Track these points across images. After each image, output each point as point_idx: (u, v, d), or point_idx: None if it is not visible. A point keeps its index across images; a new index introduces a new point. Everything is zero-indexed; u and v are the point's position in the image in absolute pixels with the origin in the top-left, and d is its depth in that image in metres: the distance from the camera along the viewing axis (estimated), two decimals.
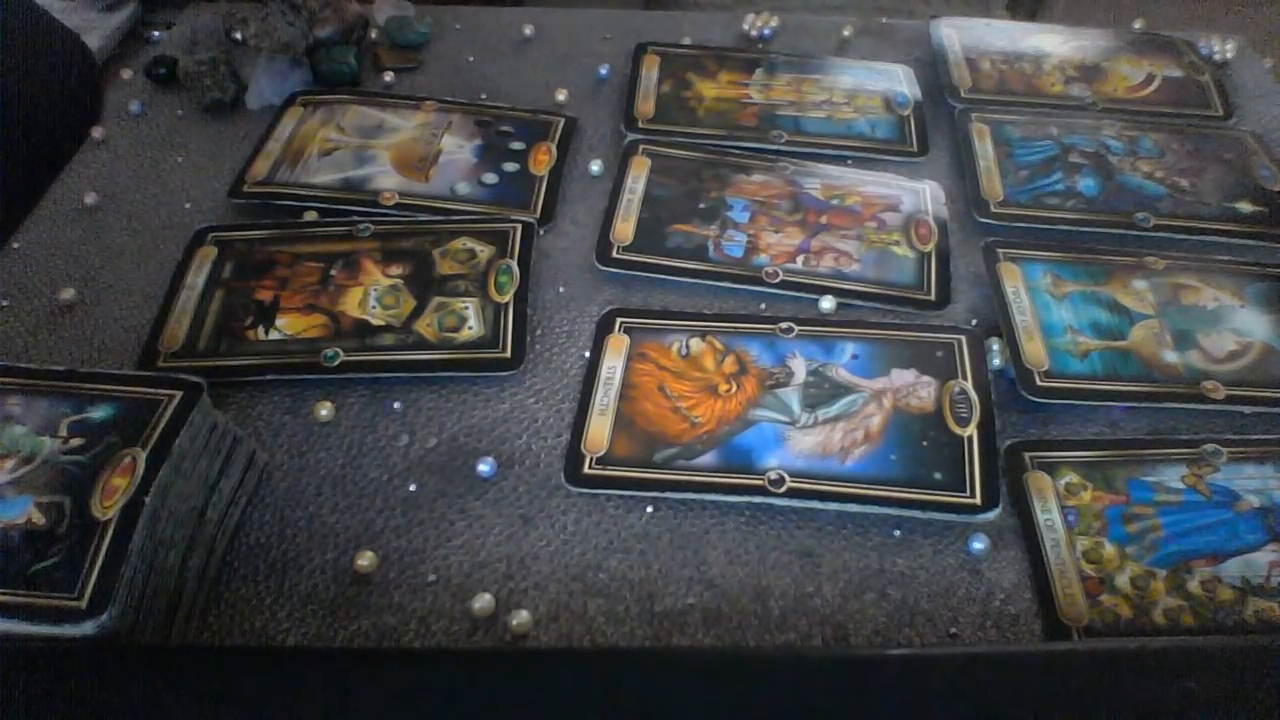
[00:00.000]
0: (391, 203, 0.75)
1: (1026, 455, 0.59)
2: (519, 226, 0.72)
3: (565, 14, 0.98)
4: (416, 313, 0.66)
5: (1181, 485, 0.58)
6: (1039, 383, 0.62)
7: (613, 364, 0.64)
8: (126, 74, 0.90)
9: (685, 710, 0.43)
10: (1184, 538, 0.55)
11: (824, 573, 0.55)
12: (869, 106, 0.85)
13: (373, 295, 0.67)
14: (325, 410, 0.61)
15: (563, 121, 0.83)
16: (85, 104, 0.88)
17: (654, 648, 0.51)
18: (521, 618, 0.52)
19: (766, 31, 0.95)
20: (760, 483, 0.57)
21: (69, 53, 0.92)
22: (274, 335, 0.65)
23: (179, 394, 0.53)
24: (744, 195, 0.76)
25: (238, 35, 0.89)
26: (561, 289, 0.70)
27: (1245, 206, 0.75)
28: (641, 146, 0.80)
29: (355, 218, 0.73)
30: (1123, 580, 0.54)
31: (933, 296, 0.69)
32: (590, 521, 0.57)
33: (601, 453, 0.59)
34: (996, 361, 0.64)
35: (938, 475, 0.57)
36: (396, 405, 0.62)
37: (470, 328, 0.65)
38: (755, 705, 0.43)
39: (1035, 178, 0.77)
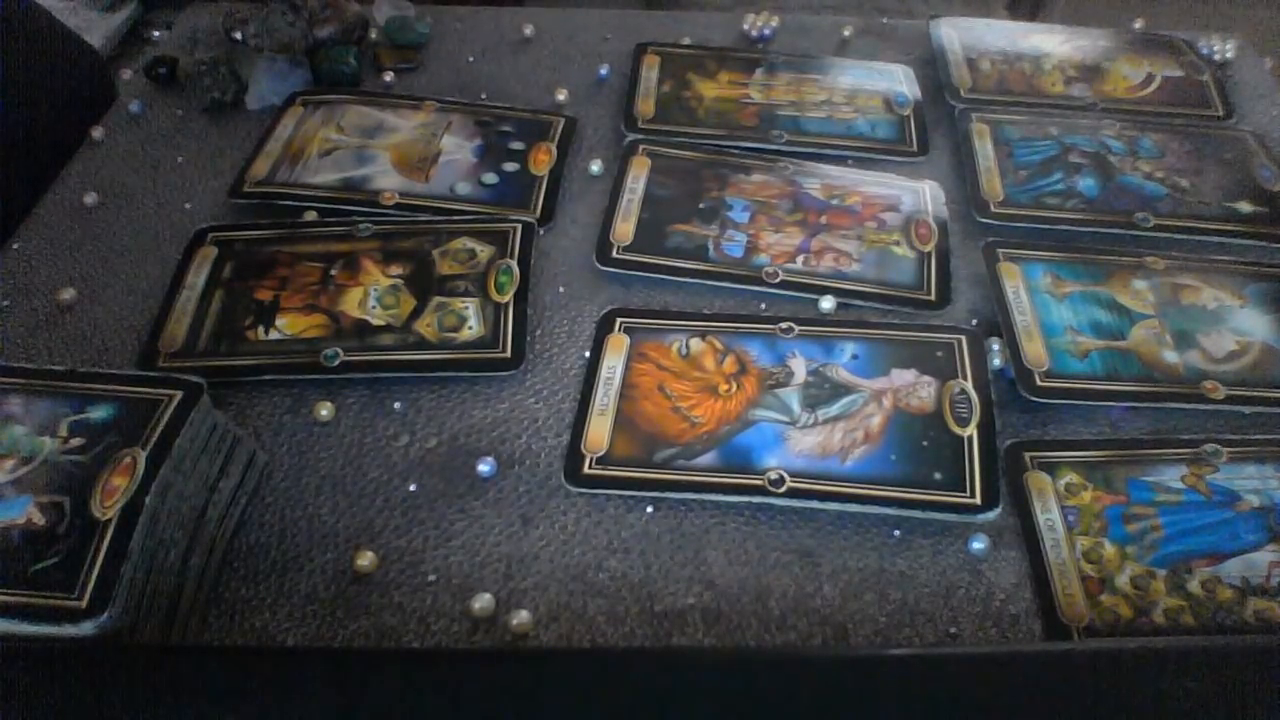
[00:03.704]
0: (391, 203, 0.75)
1: (1026, 455, 0.59)
2: (519, 226, 0.72)
3: (565, 14, 0.98)
4: (416, 313, 0.66)
5: (1181, 485, 0.58)
6: (1039, 383, 0.62)
7: (613, 364, 0.64)
8: (126, 74, 0.90)
9: (685, 710, 0.43)
10: (1184, 538, 0.55)
11: (824, 573, 0.55)
12: (869, 106, 0.85)
13: (373, 295, 0.67)
14: (325, 410, 0.61)
15: (563, 121, 0.83)
16: (97, 103, 0.88)
17: (654, 648, 0.51)
18: (521, 618, 0.52)
19: (766, 31, 0.95)
20: (760, 483, 0.57)
21: (72, 54, 0.92)
22: (274, 335, 0.65)
23: (179, 394, 0.53)
24: (744, 195, 0.76)
25: (238, 35, 0.89)
26: (561, 289, 0.70)
27: (1245, 206, 0.75)
28: (641, 146, 0.80)
29: (355, 218, 0.73)
30: (1123, 580, 0.54)
31: (933, 296, 0.69)
32: (590, 521, 0.57)
33: (601, 453, 0.59)
34: (996, 361, 0.64)
35: (938, 475, 0.57)
36: (396, 405, 0.62)
37: (470, 328, 0.65)
38: (755, 705, 0.43)
39: (1035, 178, 0.77)
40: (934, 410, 0.61)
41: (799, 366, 0.63)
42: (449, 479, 0.59)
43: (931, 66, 0.90)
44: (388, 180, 0.77)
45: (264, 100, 0.85)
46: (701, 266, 0.70)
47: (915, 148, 0.82)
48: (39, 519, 0.48)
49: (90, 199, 0.76)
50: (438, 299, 0.67)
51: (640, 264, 0.71)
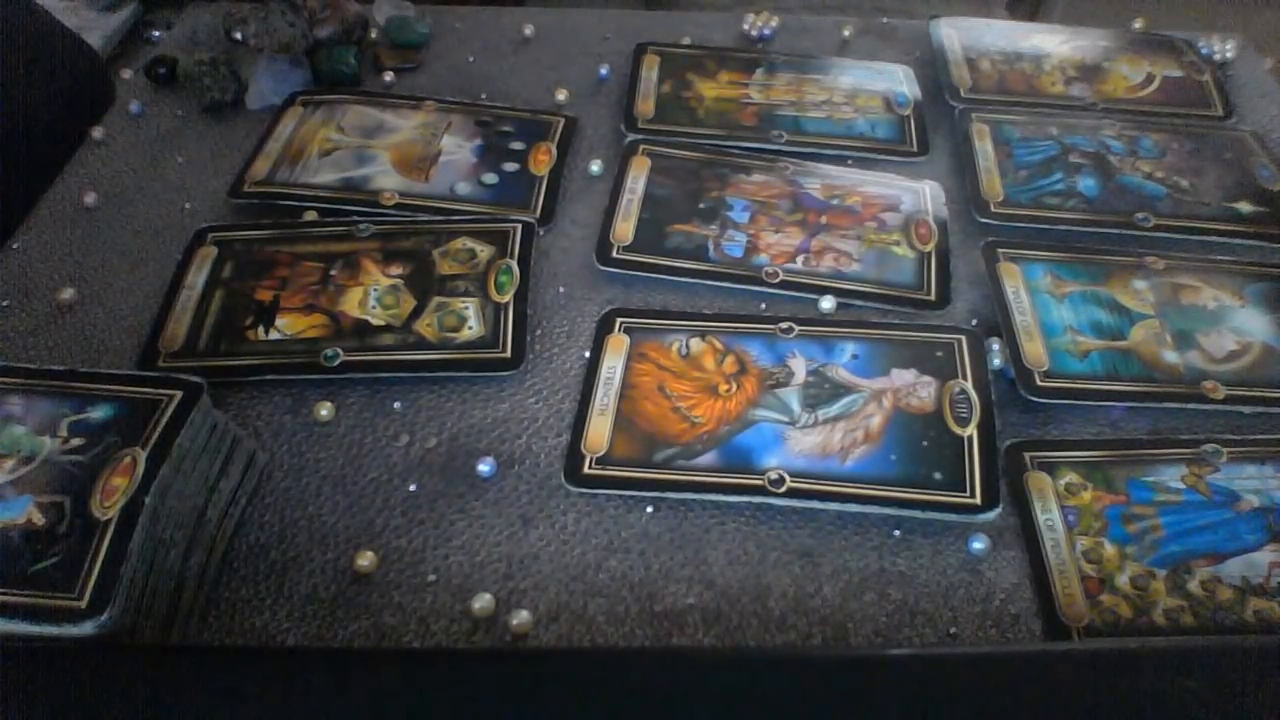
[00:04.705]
0: (391, 203, 0.75)
1: (1026, 455, 0.59)
2: (519, 226, 0.72)
3: (565, 14, 0.98)
4: (416, 313, 0.66)
5: (1181, 485, 0.58)
6: (1039, 383, 0.62)
7: (613, 364, 0.64)
8: (126, 74, 0.90)
9: (685, 710, 0.43)
10: (1184, 538, 0.55)
11: (824, 573, 0.55)
12: (869, 106, 0.85)
13: (373, 295, 0.67)
14: (325, 410, 0.61)
15: (563, 121, 0.83)
16: (97, 103, 0.88)
17: (654, 648, 0.51)
18: (521, 618, 0.52)
19: (766, 31, 0.95)
20: (760, 483, 0.57)
21: (72, 54, 0.92)
22: (274, 335, 0.65)
23: (179, 394, 0.53)
24: (744, 195, 0.76)
25: (238, 35, 0.89)
26: (561, 289, 0.70)
27: (1245, 206, 0.75)
28: (641, 146, 0.80)
29: (355, 218, 0.73)
30: (1123, 580, 0.54)
31: (933, 296, 0.69)
32: (590, 521, 0.57)
33: (601, 453, 0.59)
34: (996, 361, 0.64)
35: (938, 475, 0.57)
36: (396, 405, 0.62)
37: (470, 328, 0.65)
38: (755, 705, 0.43)
39: (1035, 178, 0.77)
40: (934, 410, 0.61)
41: (799, 366, 0.63)
42: (449, 479, 0.59)
43: (931, 66, 0.90)
44: (388, 180, 0.77)
45: (264, 100, 0.85)
46: (701, 266, 0.70)
47: (915, 148, 0.82)
48: (39, 519, 0.48)
49: (90, 199, 0.76)
50: (438, 299, 0.67)
51: (640, 264, 0.71)
